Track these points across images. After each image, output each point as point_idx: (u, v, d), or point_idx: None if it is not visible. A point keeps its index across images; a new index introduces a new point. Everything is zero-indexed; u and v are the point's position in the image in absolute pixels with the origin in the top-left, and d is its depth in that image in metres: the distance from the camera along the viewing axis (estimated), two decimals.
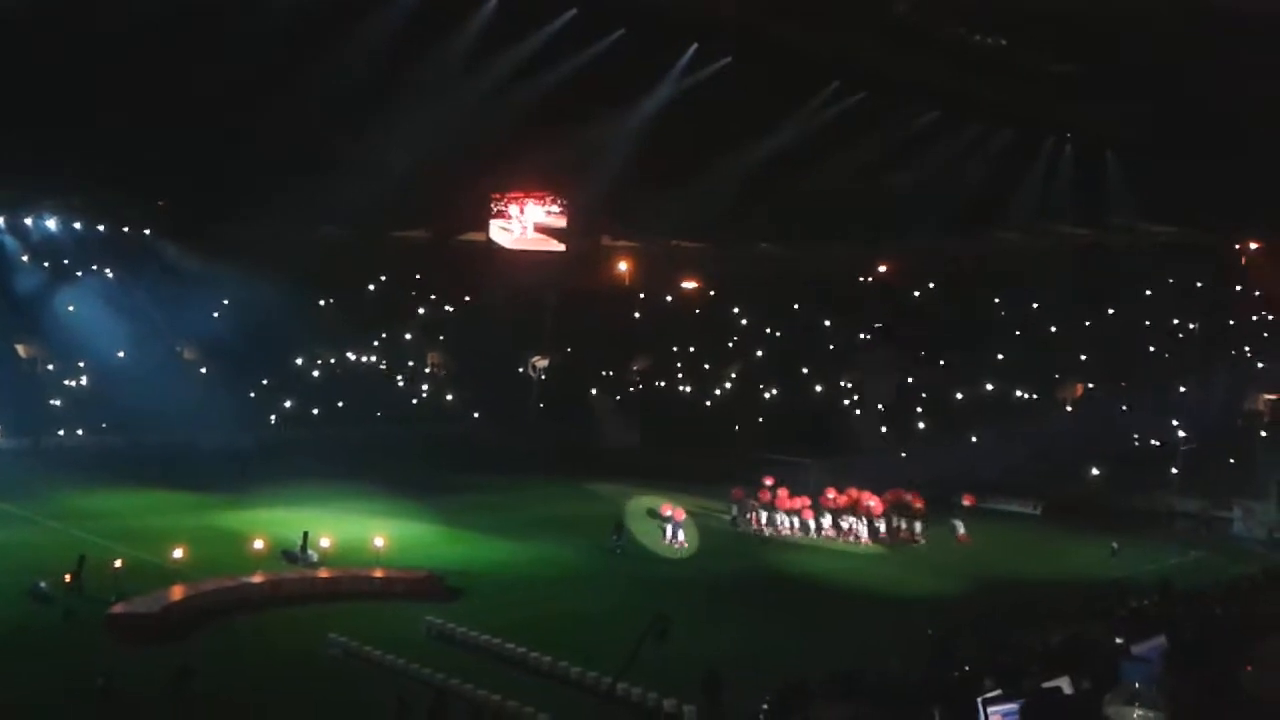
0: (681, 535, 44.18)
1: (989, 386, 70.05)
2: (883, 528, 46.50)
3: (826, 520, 46.92)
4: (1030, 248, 75.99)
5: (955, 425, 63.65)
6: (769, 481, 48.60)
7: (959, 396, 69.31)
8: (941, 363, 72.65)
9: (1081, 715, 10.02)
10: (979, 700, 9.86)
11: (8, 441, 60.33)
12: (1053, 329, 72.97)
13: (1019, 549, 46.59)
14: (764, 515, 47.52)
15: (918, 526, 46.79)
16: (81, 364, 68.74)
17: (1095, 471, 57.23)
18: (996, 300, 77.21)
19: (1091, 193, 67.27)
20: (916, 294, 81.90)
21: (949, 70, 55.37)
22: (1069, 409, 67.90)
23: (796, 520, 47.18)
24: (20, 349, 70.18)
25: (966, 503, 48.62)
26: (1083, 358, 69.39)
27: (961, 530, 47.15)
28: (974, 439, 61.44)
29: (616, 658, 27.10)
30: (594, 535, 44.41)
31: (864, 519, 46.57)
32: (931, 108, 61.87)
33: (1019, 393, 69.62)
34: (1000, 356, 71.34)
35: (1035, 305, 75.10)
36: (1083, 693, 11.11)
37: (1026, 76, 55.80)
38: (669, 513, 45.12)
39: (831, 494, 47.90)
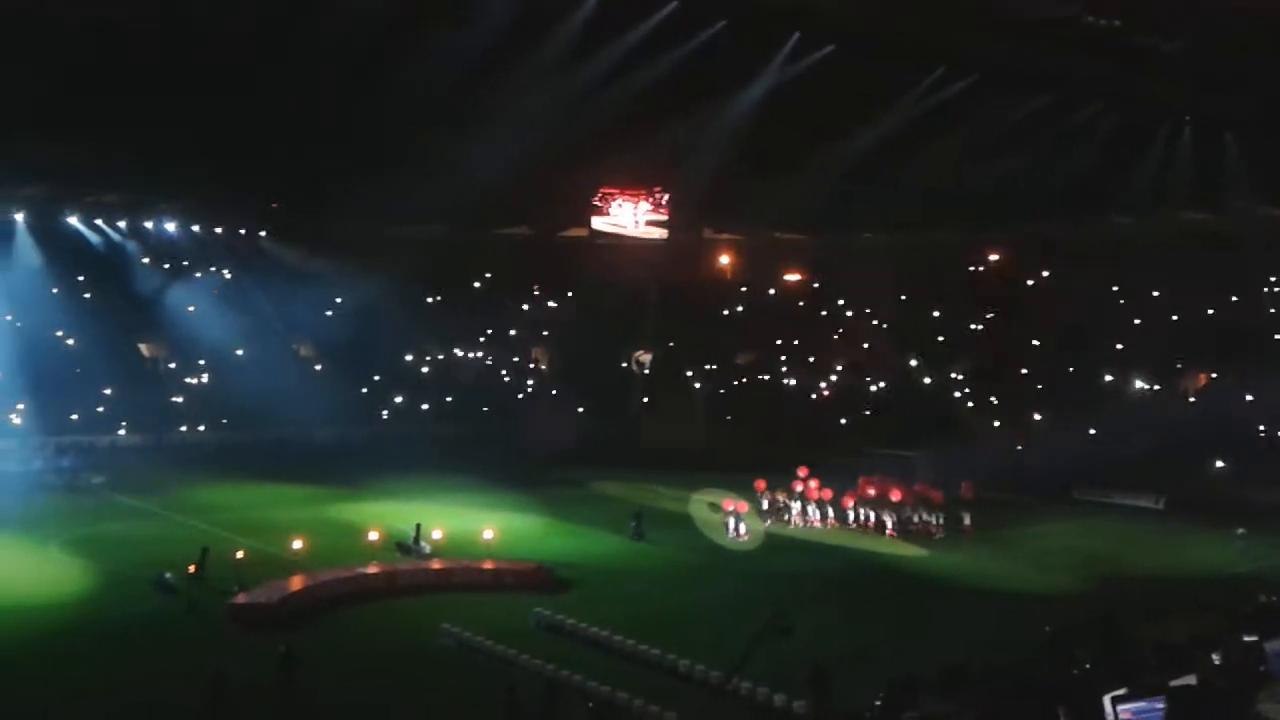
0: (743, 528, 44.23)
1: (1107, 377, 67.95)
2: (915, 519, 46.18)
3: (862, 513, 46.74)
4: (1148, 233, 73.43)
5: (1072, 417, 61.78)
6: (802, 473, 48.13)
7: (1076, 387, 67.31)
8: (1056, 353, 70.67)
9: (1224, 713, 9.57)
10: (1108, 698, 9.47)
11: (132, 438, 62.78)
12: (1174, 317, 70.47)
13: (1141, 544, 45.08)
14: (794, 507, 47.29)
15: (936, 519, 46.24)
16: (201, 362, 71.13)
17: (1220, 464, 55.13)
18: (1115, 288, 74.84)
19: (1211, 176, 64.67)
20: (1030, 282, 79.89)
21: (1060, 52, 53.83)
22: (1191, 399, 65.55)
23: (832, 511, 46.97)
24: (143, 348, 72.94)
25: (966, 494, 47.68)
26: (1205, 346, 66.86)
27: (967, 521, 46.34)
28: (1091, 431, 59.62)
29: (724, 651, 27.09)
30: (695, 530, 44.64)
31: (892, 512, 46.34)
32: (1042, 91, 60.24)
33: (1139, 383, 67.42)
34: (1119, 346, 69.16)
35: (1155, 293, 72.64)
36: (1222, 690, 10.63)
37: (1139, 56, 53.90)
38: (730, 506, 45.33)
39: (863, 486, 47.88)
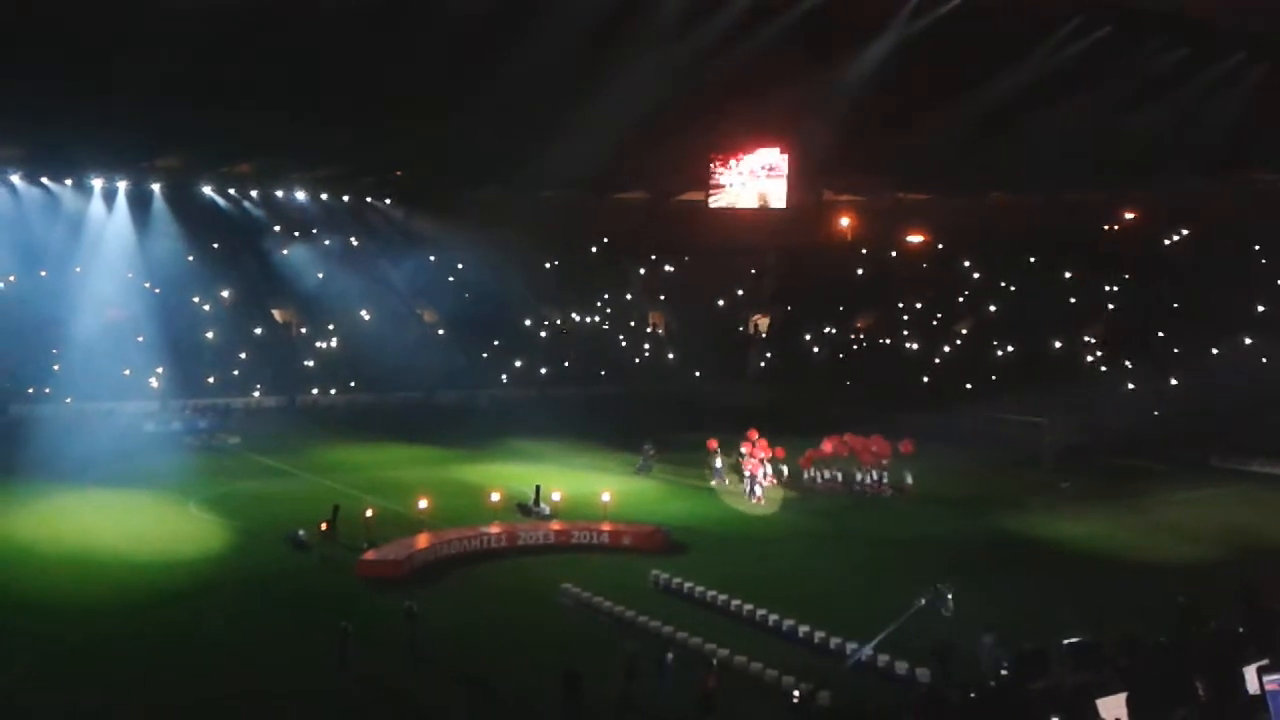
0: (759, 491, 43.76)
1: (1247, 340, 64.87)
2: (870, 478, 45.34)
3: (813, 471, 46.31)
4: None
5: (1211, 382, 59.18)
6: (753, 435, 47.09)
7: (1215, 352, 64.46)
8: (1194, 316, 67.69)
9: None
10: (1251, 669, 9.03)
11: (266, 400, 65.00)
12: None
13: None
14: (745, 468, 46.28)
15: (880, 478, 45.37)
16: (331, 327, 73.14)
17: None
18: (1256, 248, 71.31)
19: None
20: (1167, 243, 76.70)
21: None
22: None
23: (786, 469, 46.08)
24: (276, 314, 75.34)
25: (904, 450, 46.01)
26: None
27: (909, 480, 45.20)
28: (1231, 397, 57.05)
29: (841, 617, 26.87)
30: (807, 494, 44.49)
31: (839, 471, 45.90)
32: (1180, 43, 57.41)
33: None
34: (1261, 309, 65.99)
35: None
36: None
37: None
38: (748, 470, 44.79)
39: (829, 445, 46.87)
